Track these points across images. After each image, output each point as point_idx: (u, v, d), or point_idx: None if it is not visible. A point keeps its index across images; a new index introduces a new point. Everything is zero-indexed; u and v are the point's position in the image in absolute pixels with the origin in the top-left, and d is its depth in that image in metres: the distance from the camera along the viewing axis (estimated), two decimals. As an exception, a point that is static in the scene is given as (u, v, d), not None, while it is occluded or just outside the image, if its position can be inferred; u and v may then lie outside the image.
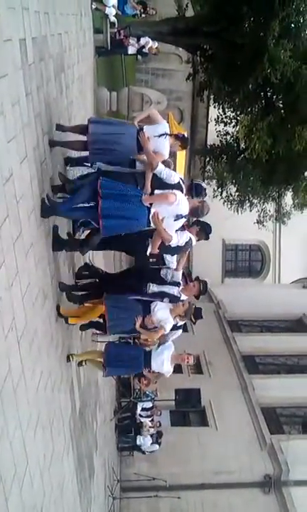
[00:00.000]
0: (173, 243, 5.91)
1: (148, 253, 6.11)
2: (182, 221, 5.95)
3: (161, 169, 5.80)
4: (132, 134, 5.97)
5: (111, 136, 5.97)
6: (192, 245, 6.36)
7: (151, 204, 5.55)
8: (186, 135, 7.07)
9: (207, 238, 6.50)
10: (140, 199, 5.52)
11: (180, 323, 6.73)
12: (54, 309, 5.86)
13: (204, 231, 6.42)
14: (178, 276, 6.63)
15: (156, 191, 5.75)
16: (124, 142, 5.96)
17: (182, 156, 13.12)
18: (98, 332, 7.68)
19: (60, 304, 6.12)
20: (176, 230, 5.90)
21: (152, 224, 5.61)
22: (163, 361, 6.57)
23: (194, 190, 6.60)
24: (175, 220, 5.79)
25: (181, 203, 5.75)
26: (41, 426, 4.91)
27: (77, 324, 6.77)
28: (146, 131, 5.96)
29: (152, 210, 5.55)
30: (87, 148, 6.16)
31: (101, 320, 6.65)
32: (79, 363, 7.23)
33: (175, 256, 6.55)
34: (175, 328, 6.66)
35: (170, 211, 5.68)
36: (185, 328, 7.26)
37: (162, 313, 6.25)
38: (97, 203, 5.41)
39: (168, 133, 6.10)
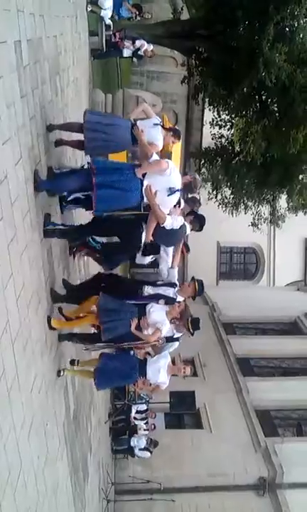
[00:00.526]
0: (168, 225, 5.83)
1: (142, 240, 5.96)
2: (177, 197, 5.94)
3: (167, 224, 5.82)
4: (127, 127, 6.01)
5: (106, 127, 6.00)
6: (187, 233, 6.32)
7: (143, 176, 5.57)
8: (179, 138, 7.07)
9: (200, 229, 6.48)
10: (133, 172, 5.58)
11: (177, 334, 6.55)
12: (48, 312, 5.84)
13: (198, 221, 6.40)
14: (174, 274, 6.54)
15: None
16: (119, 134, 6.00)
17: (177, 148, 13.11)
18: (87, 347, 6.80)
19: (51, 316, 5.89)
20: (171, 215, 5.91)
21: (145, 199, 5.61)
22: (159, 369, 6.37)
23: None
24: (168, 196, 5.79)
25: (173, 172, 5.77)
26: (35, 428, 4.89)
27: (59, 330, 6.27)
28: (140, 125, 6.01)
29: (145, 183, 5.56)
30: (83, 146, 6.16)
31: (94, 330, 6.48)
32: (58, 372, 6.39)
33: (171, 250, 6.47)
34: (172, 339, 6.53)
35: (163, 183, 5.68)
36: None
37: (157, 314, 6.16)
38: (91, 181, 5.49)
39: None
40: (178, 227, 6.02)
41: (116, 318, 6.02)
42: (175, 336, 6.54)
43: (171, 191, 5.80)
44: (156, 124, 6.23)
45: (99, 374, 6.37)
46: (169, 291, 6.44)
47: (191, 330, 6.43)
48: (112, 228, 6.16)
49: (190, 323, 6.42)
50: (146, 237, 5.90)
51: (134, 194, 5.59)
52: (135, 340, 6.14)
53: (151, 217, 5.79)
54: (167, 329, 6.26)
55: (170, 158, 6.60)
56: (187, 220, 6.23)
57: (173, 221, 5.93)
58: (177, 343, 6.71)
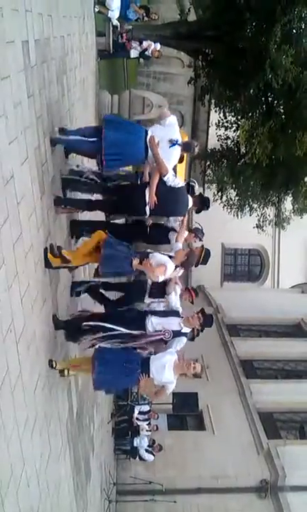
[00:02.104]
0: (170, 179, 6.03)
1: (147, 209, 6.08)
2: (178, 150, 6.12)
3: (168, 176, 5.98)
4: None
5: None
6: (189, 206, 6.56)
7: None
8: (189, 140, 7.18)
9: (199, 210, 6.83)
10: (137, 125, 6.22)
11: (185, 329, 6.16)
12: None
13: (201, 200, 6.73)
14: (178, 246, 6.36)
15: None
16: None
17: (182, 166, 13.14)
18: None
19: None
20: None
21: (149, 151, 5.90)
22: (164, 366, 5.68)
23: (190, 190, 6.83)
24: (170, 147, 6.02)
25: (173, 123, 6.12)
26: (38, 428, 4.90)
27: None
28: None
29: (149, 133, 5.92)
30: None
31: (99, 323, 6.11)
32: (61, 372, 5.91)
33: (179, 290, 6.47)
34: (179, 333, 6.14)
35: (164, 133, 6.00)
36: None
37: (161, 257, 5.96)
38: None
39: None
40: (178, 185, 6.19)
41: (117, 254, 5.82)
42: (183, 331, 6.17)
43: (172, 143, 6.03)
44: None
45: (99, 364, 5.70)
46: (174, 322, 6.22)
47: (201, 327, 6.26)
48: (118, 200, 6.46)
49: (201, 315, 6.24)
50: (149, 196, 6.00)
51: (139, 142, 5.91)
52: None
53: (154, 173, 6.01)
54: (172, 268, 5.99)
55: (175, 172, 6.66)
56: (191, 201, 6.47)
57: (174, 178, 6.10)
58: (185, 339, 6.23)
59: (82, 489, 7.93)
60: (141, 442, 13.99)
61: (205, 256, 6.83)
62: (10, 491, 3.93)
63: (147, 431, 14.38)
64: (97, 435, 10.23)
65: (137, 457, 14.05)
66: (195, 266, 6.91)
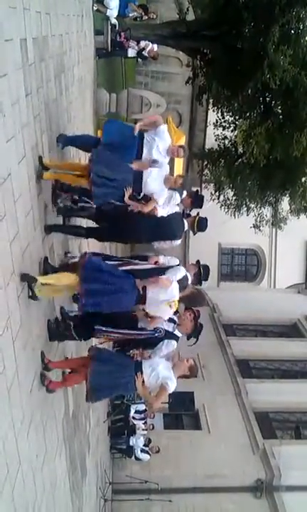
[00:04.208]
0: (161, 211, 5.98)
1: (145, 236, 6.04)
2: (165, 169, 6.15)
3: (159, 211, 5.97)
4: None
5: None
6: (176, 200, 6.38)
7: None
8: (184, 141, 7.23)
9: (193, 206, 6.80)
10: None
11: (177, 333, 6.03)
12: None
13: (196, 197, 6.73)
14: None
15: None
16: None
17: (179, 163, 13.14)
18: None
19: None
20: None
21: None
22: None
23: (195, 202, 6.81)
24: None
25: (164, 131, 6.26)
26: (34, 427, 4.89)
27: None
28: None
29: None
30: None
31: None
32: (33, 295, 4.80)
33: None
34: (170, 335, 5.97)
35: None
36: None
37: (156, 184, 5.84)
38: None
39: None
40: (173, 211, 6.20)
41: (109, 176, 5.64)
42: (174, 332, 6.03)
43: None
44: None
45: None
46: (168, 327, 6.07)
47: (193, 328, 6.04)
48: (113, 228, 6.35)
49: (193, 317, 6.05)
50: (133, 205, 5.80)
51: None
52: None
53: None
54: (164, 198, 5.94)
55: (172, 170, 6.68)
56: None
57: (164, 207, 6.04)
58: (175, 343, 6.01)
59: (77, 488, 7.92)
60: (137, 441, 13.99)
61: (199, 224, 6.67)
62: (5, 489, 3.92)
63: (143, 430, 14.38)
64: (92, 434, 10.23)
65: (133, 457, 14.05)
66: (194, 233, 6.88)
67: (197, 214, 6.86)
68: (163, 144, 6.24)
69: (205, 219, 6.74)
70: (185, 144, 12.22)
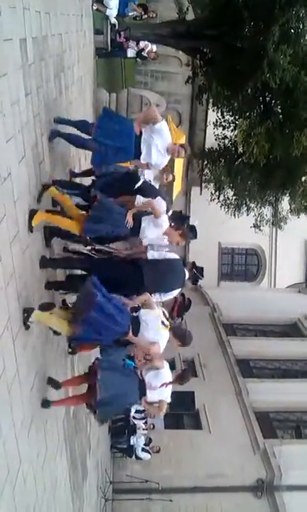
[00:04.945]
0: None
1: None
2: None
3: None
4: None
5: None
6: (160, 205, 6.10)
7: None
8: (184, 141, 7.18)
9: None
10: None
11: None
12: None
13: (191, 229, 6.53)
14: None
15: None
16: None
17: (179, 163, 13.11)
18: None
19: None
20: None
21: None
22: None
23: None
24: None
25: (163, 129, 6.04)
26: (35, 426, 4.89)
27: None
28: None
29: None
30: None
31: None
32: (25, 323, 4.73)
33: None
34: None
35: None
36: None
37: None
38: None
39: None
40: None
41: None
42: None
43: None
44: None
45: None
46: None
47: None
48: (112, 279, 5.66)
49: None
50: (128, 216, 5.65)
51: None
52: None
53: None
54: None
55: (172, 170, 6.59)
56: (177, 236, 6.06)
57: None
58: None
59: (78, 488, 7.92)
60: (138, 441, 13.99)
61: (189, 233, 6.45)
62: (6, 489, 3.92)
63: (144, 429, 14.38)
64: (93, 434, 10.23)
65: (133, 456, 14.05)
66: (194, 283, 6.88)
67: (187, 224, 6.75)
68: (162, 142, 5.99)
69: (194, 227, 6.68)
70: (186, 144, 12.20)
